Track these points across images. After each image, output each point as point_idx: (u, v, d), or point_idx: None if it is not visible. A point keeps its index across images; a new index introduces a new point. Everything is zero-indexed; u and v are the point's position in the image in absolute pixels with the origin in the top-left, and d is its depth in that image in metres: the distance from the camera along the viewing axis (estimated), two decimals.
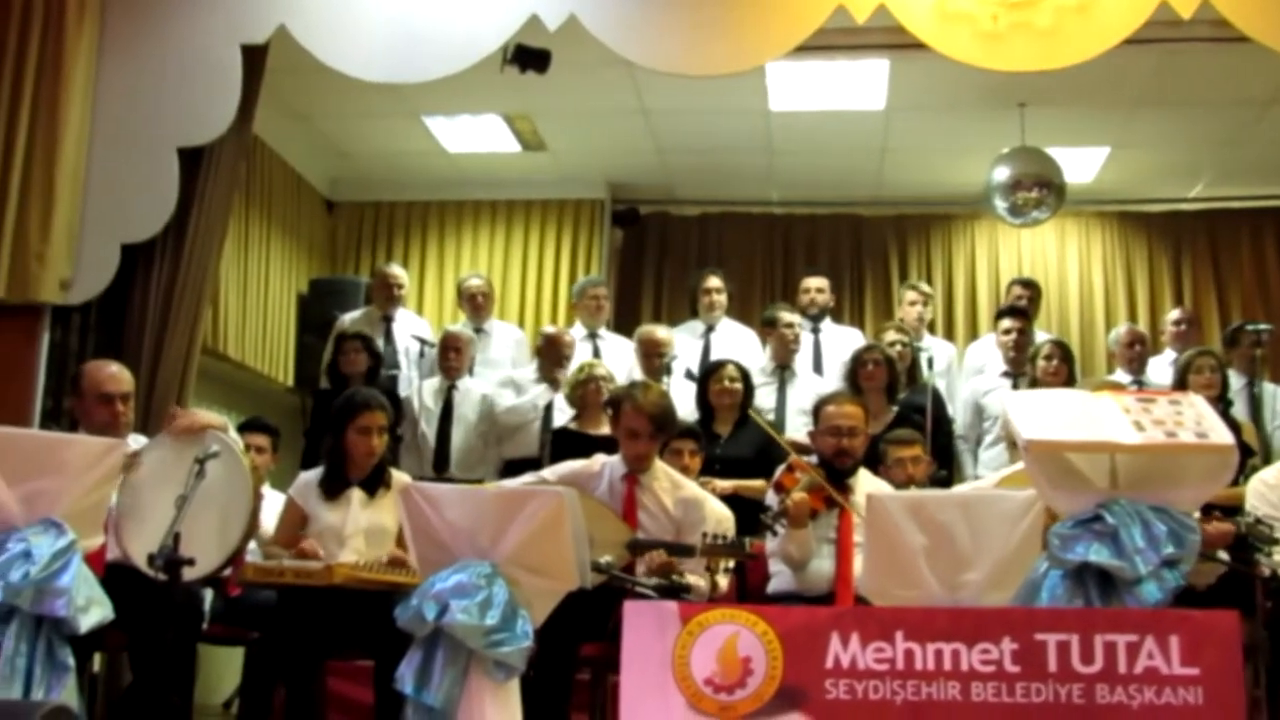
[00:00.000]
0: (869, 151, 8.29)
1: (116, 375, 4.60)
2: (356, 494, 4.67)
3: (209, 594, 4.91)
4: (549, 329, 7.33)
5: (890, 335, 6.85)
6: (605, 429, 5.93)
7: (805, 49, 5.58)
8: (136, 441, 4.50)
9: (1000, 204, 7.46)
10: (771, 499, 4.76)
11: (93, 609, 3.56)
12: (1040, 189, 7.38)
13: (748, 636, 2.40)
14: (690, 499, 4.66)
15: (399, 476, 4.73)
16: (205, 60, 5.85)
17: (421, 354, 7.26)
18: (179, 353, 5.87)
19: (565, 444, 6.03)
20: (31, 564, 3.44)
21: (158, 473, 4.14)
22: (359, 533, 4.62)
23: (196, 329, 5.98)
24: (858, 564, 4.54)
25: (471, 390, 7.16)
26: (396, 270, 7.90)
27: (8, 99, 5.60)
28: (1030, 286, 7.79)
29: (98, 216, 5.71)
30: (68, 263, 5.61)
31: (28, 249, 5.51)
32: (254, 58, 5.94)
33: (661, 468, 4.76)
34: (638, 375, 6.50)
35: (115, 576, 3.84)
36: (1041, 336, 7.20)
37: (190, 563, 3.72)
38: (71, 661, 3.54)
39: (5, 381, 5.55)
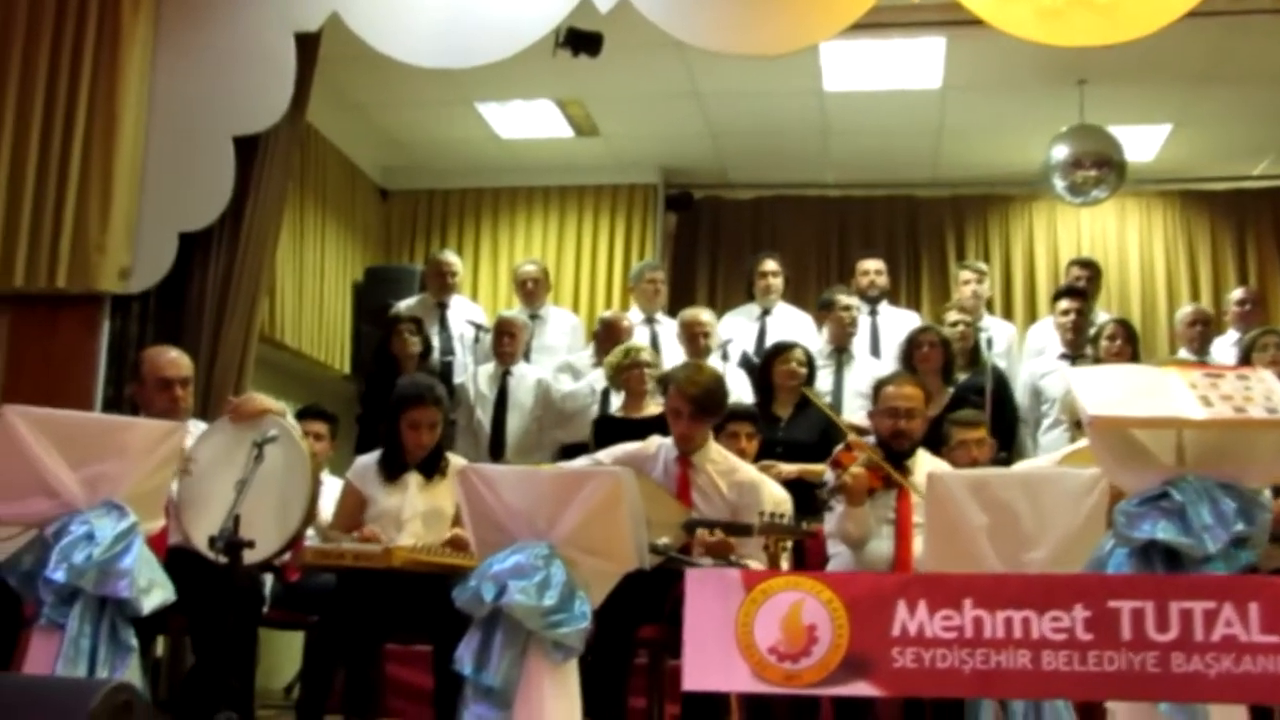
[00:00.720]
0: (925, 131, 8.20)
1: (176, 360, 4.63)
2: (414, 478, 4.68)
3: (269, 578, 4.93)
4: (606, 314, 7.33)
5: (953, 315, 6.77)
6: (649, 412, 5.94)
7: (860, 27, 5.50)
8: (196, 427, 4.53)
9: (1059, 183, 7.36)
10: (829, 476, 4.73)
11: (155, 591, 3.59)
12: (1100, 168, 7.28)
13: (812, 604, 2.36)
14: (745, 482, 4.63)
15: (455, 460, 4.73)
16: (259, 49, 5.87)
17: (476, 339, 7.29)
18: (236, 340, 5.90)
19: (608, 430, 6.02)
20: (94, 546, 3.47)
21: (217, 458, 4.17)
22: (416, 516, 4.62)
23: (253, 317, 6.01)
24: (917, 545, 4.49)
25: (526, 376, 7.16)
26: (450, 257, 7.91)
27: (66, 90, 5.66)
28: (1089, 267, 7.68)
29: (155, 206, 5.75)
30: (127, 252, 5.65)
31: (88, 239, 5.56)
32: (307, 46, 5.95)
33: (716, 449, 4.73)
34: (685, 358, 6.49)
35: (176, 560, 3.87)
36: (1103, 317, 7.10)
37: (250, 545, 3.75)
38: (135, 642, 3.56)
39: (67, 370, 5.60)
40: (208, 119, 5.83)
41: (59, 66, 5.69)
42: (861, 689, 2.34)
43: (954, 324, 6.60)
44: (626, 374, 6.21)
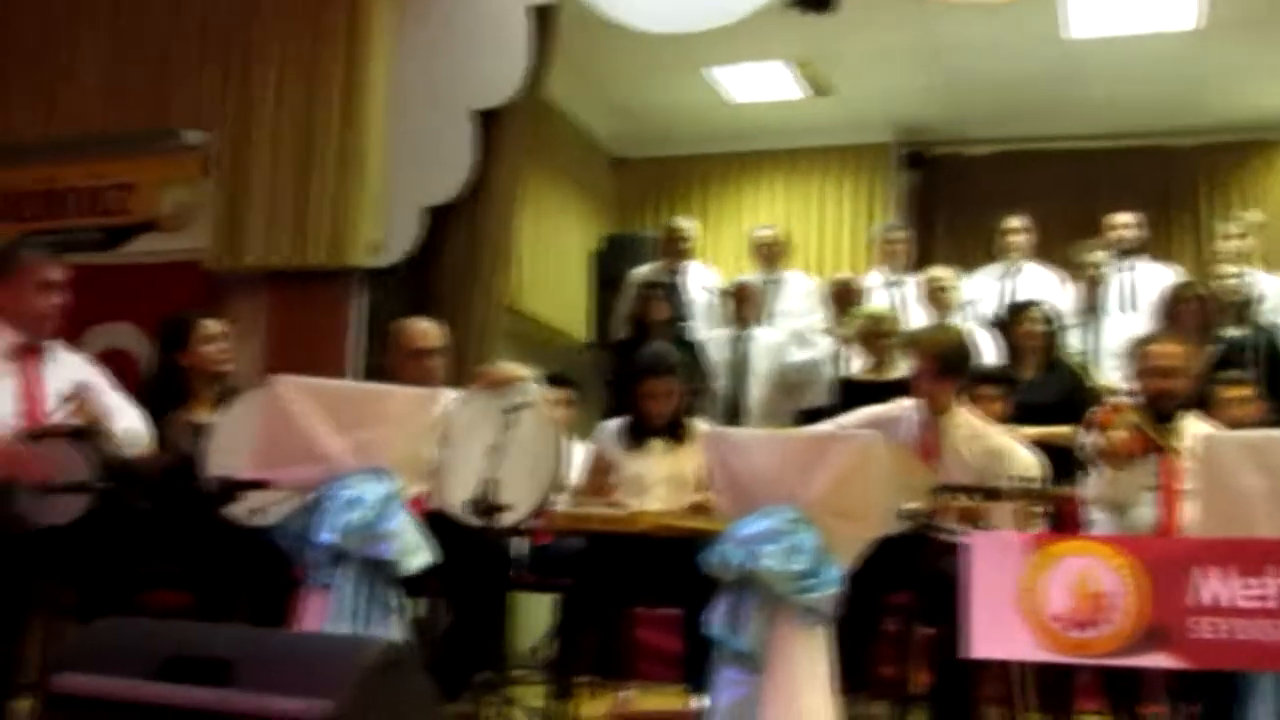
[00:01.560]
0: (1179, 77, 7.75)
1: (427, 331, 4.76)
2: (658, 443, 4.71)
3: (522, 543, 5.03)
4: (841, 275, 7.23)
5: (1222, 269, 6.41)
6: (895, 375, 5.82)
7: None
8: (447, 396, 4.64)
9: None
10: (1088, 439, 4.54)
11: (417, 552, 3.69)
12: None
13: (1103, 570, 2.25)
14: (994, 448, 4.48)
15: (699, 425, 4.73)
16: (496, 23, 5.98)
17: (714, 305, 7.29)
18: (482, 311, 6.03)
19: (854, 393, 5.92)
20: (360, 510, 3.58)
21: (469, 425, 4.25)
22: (661, 481, 4.65)
23: (497, 288, 6.14)
24: (1183, 511, 4.27)
25: (763, 340, 7.14)
26: (684, 224, 7.93)
27: (317, 67, 5.86)
28: None
29: (402, 179, 5.90)
30: (377, 227, 5.82)
31: (340, 215, 5.75)
32: (544, 18, 6.02)
33: (963, 412, 4.61)
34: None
35: (434, 524, 3.96)
36: None
37: (505, 509, 3.83)
38: (399, 603, 3.68)
39: (325, 342, 5.81)
40: (448, 94, 5.95)
41: (310, 50, 5.89)
42: (1158, 660, 2.22)
43: (1220, 278, 6.26)
44: (871, 337, 6.11)
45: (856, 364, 6.45)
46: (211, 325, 4.53)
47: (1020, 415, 5.49)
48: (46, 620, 4.33)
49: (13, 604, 3.62)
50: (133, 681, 2.52)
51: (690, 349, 6.58)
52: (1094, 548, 2.32)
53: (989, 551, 2.37)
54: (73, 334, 4.67)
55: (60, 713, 2.63)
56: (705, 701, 3.72)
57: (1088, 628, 2.25)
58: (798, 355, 6.90)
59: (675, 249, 7.75)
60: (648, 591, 4.56)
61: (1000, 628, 2.28)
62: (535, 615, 6.91)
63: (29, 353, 4.02)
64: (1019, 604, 2.29)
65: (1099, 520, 4.61)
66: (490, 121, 6.03)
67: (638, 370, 4.69)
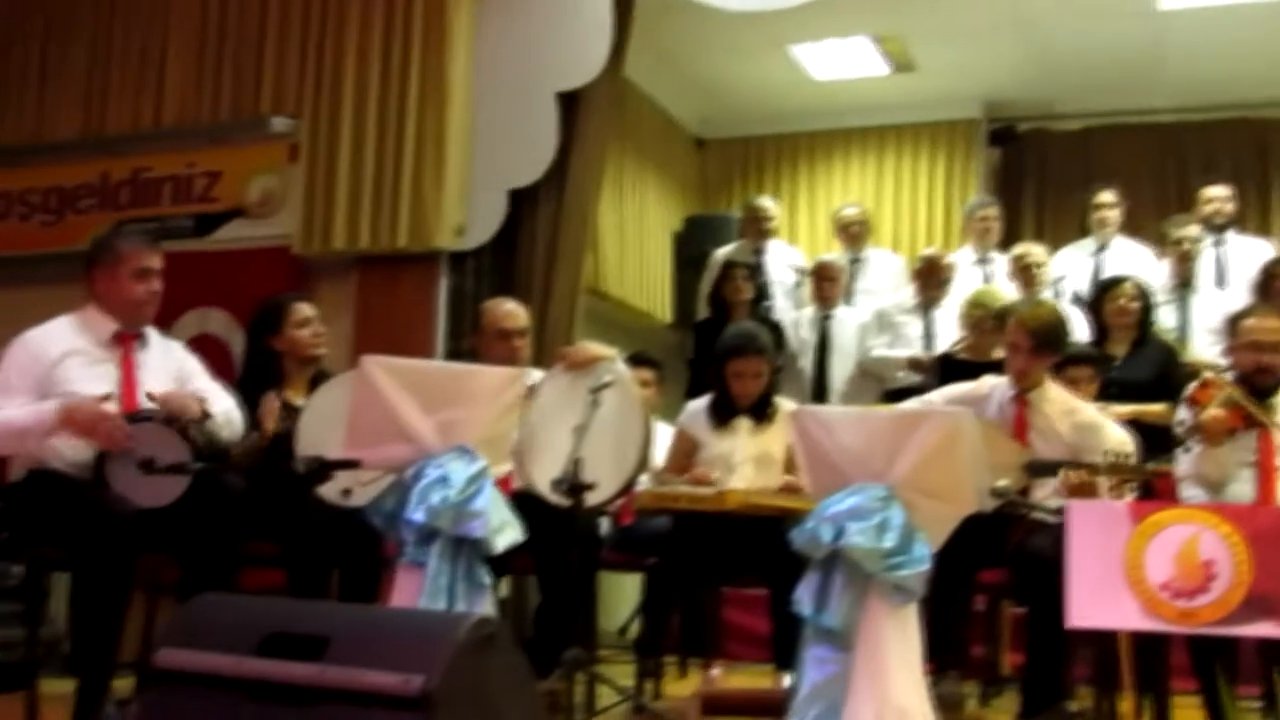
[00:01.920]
0: (1272, 48, 7.54)
1: (513, 312, 4.79)
2: (744, 422, 4.70)
3: (605, 522, 5.05)
4: (927, 251, 7.17)
5: None
6: (997, 355, 5.74)
7: None
8: (532, 376, 4.67)
9: None
10: (1183, 414, 4.47)
11: (506, 530, 3.72)
12: None
13: (1210, 539, 2.21)
14: (1086, 424, 4.42)
15: (785, 404, 4.72)
16: (578, 4, 5.99)
17: (798, 284, 7.27)
18: (565, 292, 6.05)
19: (953, 371, 5.83)
20: (449, 488, 3.61)
21: (554, 405, 4.27)
22: (748, 460, 4.65)
23: (580, 269, 6.15)
24: None
25: (847, 320, 7.10)
26: (765, 203, 7.90)
27: (399, 52, 5.91)
28: None
29: (485, 163, 5.93)
30: (461, 210, 5.86)
31: (424, 199, 5.80)
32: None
33: (1054, 388, 4.55)
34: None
35: (521, 504, 3.99)
36: None
37: (592, 488, 3.85)
38: (489, 580, 3.71)
39: (410, 325, 5.87)
40: (531, 77, 5.97)
41: (392, 33, 5.94)
42: (1266, 629, 2.18)
43: None
44: (977, 319, 6.00)
45: (945, 340, 6.40)
46: (304, 309, 4.59)
47: (1112, 393, 5.41)
48: (148, 598, 4.44)
49: (115, 583, 3.68)
50: (232, 657, 2.57)
51: (773, 329, 6.55)
52: (1199, 516, 2.28)
53: (1092, 521, 2.33)
54: (165, 321, 4.76)
55: (162, 688, 2.69)
56: (793, 680, 3.71)
57: (1196, 596, 2.21)
58: (881, 348, 6.83)
59: (757, 229, 7.73)
60: (735, 570, 4.56)
61: (1104, 597, 2.25)
62: (621, 594, 6.96)
63: (126, 340, 4.10)
64: (1125, 573, 2.25)
65: (1194, 497, 4.53)
66: (573, 103, 6.04)
67: (726, 349, 4.68)
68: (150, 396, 4.01)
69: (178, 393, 4.04)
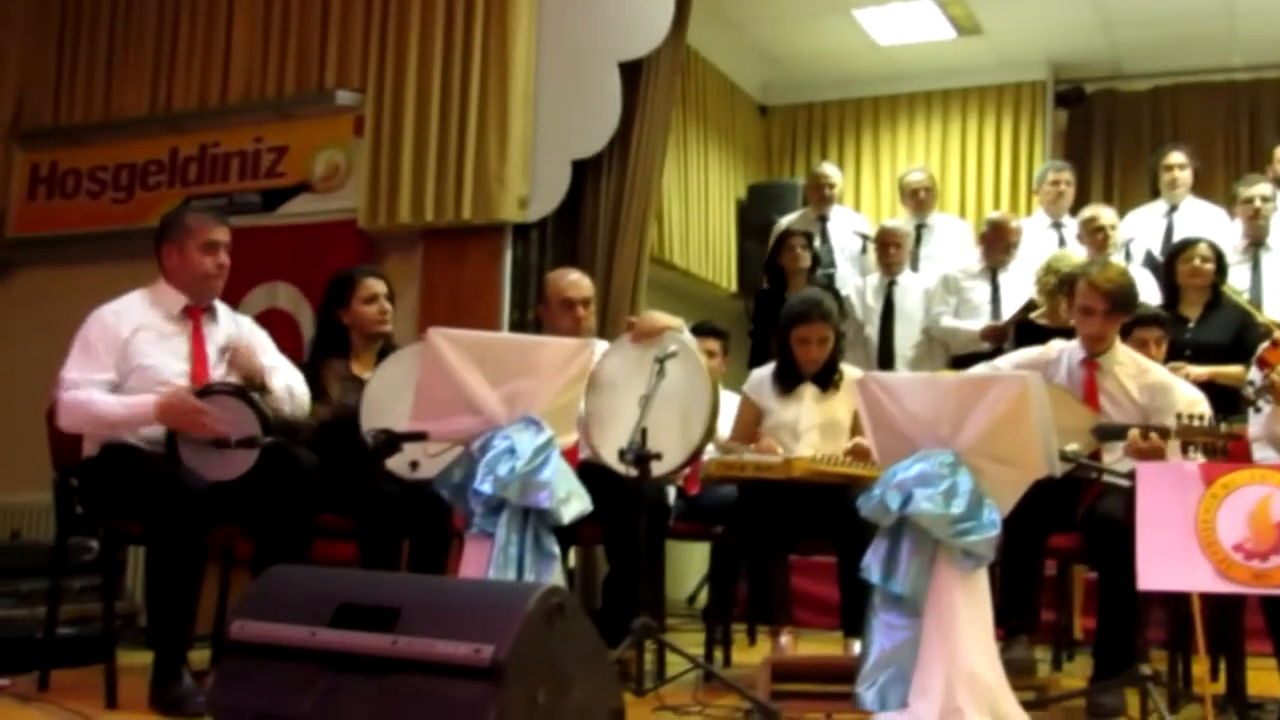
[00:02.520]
0: None
1: (577, 282, 4.80)
2: (809, 389, 4.69)
3: (671, 491, 5.06)
4: (994, 215, 7.09)
5: None
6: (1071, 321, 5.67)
7: None
8: (598, 347, 4.68)
9: None
10: (1254, 375, 4.39)
11: (573, 501, 3.73)
12: None
13: None
14: (1157, 384, 4.36)
15: (850, 371, 4.70)
16: None
17: (864, 250, 7.23)
18: (629, 262, 6.04)
19: (1030, 336, 5.76)
20: (516, 459, 3.63)
21: (620, 375, 4.29)
22: (813, 427, 4.64)
23: (644, 239, 6.13)
24: None
25: (912, 287, 7.05)
26: (828, 170, 7.86)
27: (462, 30, 5.90)
28: None
29: (548, 134, 5.92)
30: (524, 181, 5.86)
31: (488, 171, 5.81)
32: None
33: (1123, 351, 4.48)
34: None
35: (587, 474, 4.01)
36: None
37: (658, 458, 3.86)
38: (557, 550, 3.73)
39: (476, 297, 5.89)
40: (593, 46, 5.94)
41: (455, 5, 5.93)
42: None
43: None
44: (1052, 285, 5.92)
45: (1012, 305, 6.33)
46: (373, 285, 4.63)
47: (1185, 355, 5.35)
48: (221, 571, 4.51)
49: (189, 556, 3.75)
50: (307, 628, 2.61)
51: (834, 296, 6.51)
52: (1271, 476, 2.23)
53: (1162, 483, 2.30)
54: (233, 296, 4.82)
55: (238, 659, 2.74)
56: (862, 647, 3.71)
57: (1269, 557, 2.17)
58: (948, 315, 6.77)
59: (821, 195, 7.69)
60: (802, 538, 4.55)
61: (1175, 560, 2.22)
62: (690, 563, 6.98)
63: (196, 314, 4.16)
64: (1197, 535, 2.21)
65: (1267, 458, 4.45)
66: (636, 72, 6.02)
67: (790, 316, 4.67)
68: (223, 351, 4.07)
69: (244, 351, 4.10)
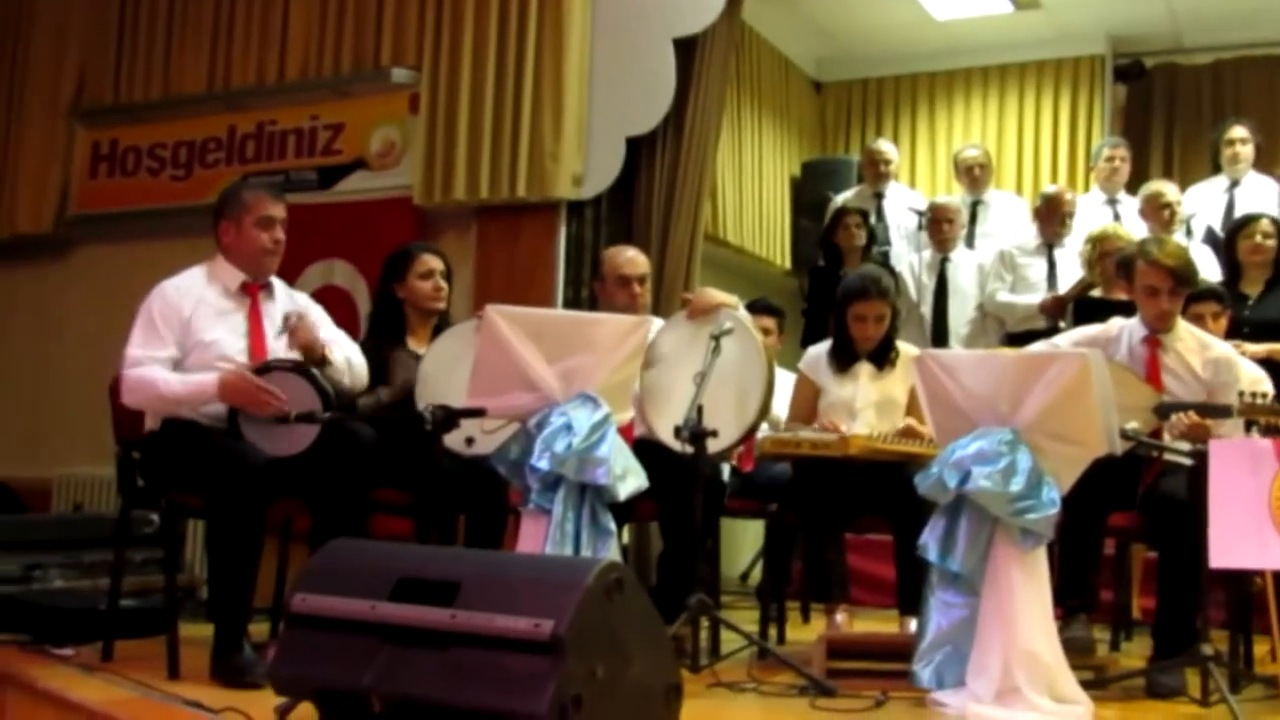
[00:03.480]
0: None
1: (634, 259, 4.80)
2: (865, 368, 4.66)
3: (726, 468, 5.06)
4: (1049, 189, 7.03)
5: None
6: (1121, 295, 5.61)
7: None
8: (653, 324, 4.68)
9: None
10: None
11: (629, 477, 3.75)
12: None
13: None
14: (1220, 359, 4.30)
15: (906, 348, 4.68)
16: None
17: (920, 226, 7.19)
18: (683, 240, 6.03)
19: (1089, 311, 5.69)
20: (573, 436, 3.65)
21: (676, 352, 4.29)
22: (869, 405, 4.61)
23: (698, 216, 6.11)
24: None
25: (964, 263, 7.00)
26: (884, 146, 7.82)
27: (517, 2, 5.91)
28: None
29: (603, 111, 5.92)
30: (579, 159, 5.86)
31: (543, 149, 5.82)
32: None
33: (1185, 327, 4.42)
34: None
35: (642, 450, 4.01)
36: None
37: (714, 435, 3.86)
38: (613, 526, 3.75)
39: (531, 274, 5.91)
40: (648, 23, 5.92)
41: None
42: None
43: None
44: (1104, 258, 5.87)
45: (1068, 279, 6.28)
46: (430, 261, 4.65)
47: (1244, 333, 5.27)
48: (280, 545, 4.56)
49: (249, 529, 3.78)
50: (367, 602, 2.63)
51: (890, 273, 6.48)
52: None
53: (1234, 460, 2.27)
54: (291, 273, 4.86)
55: (300, 631, 2.77)
56: (918, 625, 3.70)
57: None
58: (1004, 291, 6.71)
59: (876, 172, 7.66)
60: (858, 515, 4.54)
61: (1248, 537, 2.19)
62: (744, 540, 6.98)
63: (253, 290, 4.19)
64: (1271, 512, 2.18)
65: None
66: (690, 49, 5.99)
67: (848, 293, 4.64)
68: (285, 320, 4.10)
69: (304, 325, 4.13)
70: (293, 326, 4.12)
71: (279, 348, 4.11)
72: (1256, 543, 2.17)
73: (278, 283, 4.31)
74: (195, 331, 4.01)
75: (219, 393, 3.88)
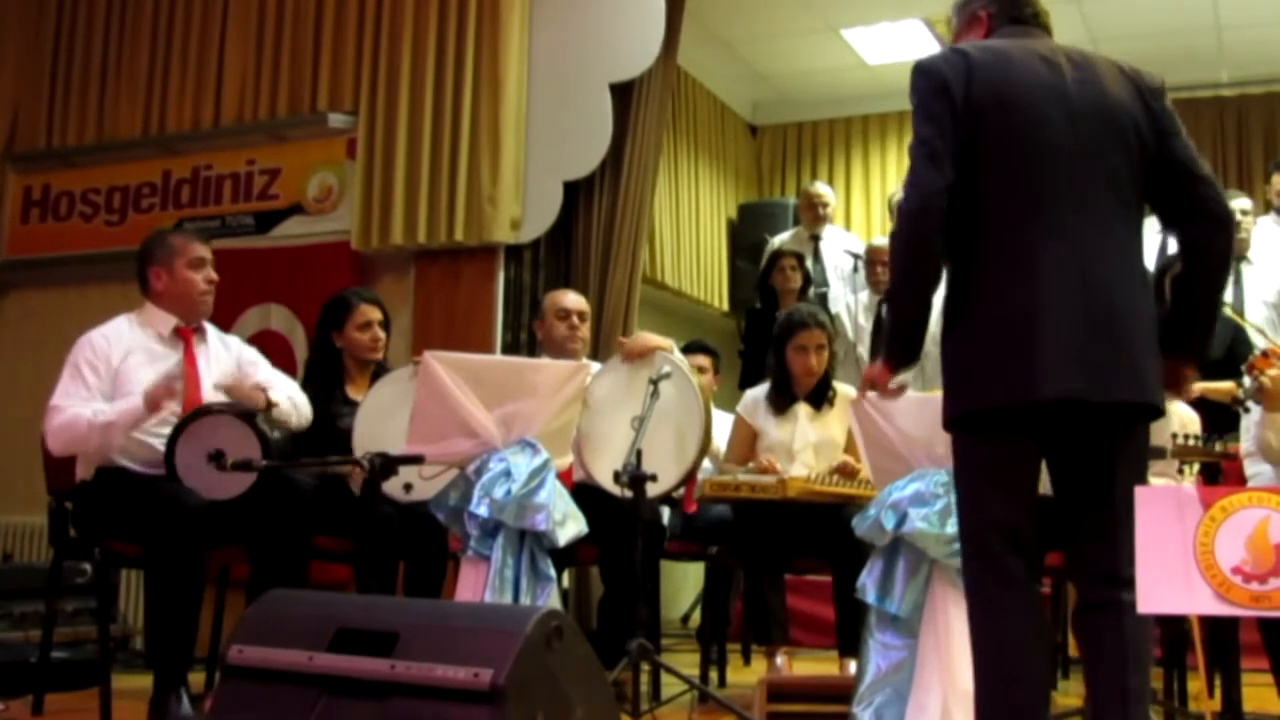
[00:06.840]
0: None
1: (574, 297, 4.88)
2: (803, 408, 4.70)
3: (666, 511, 5.07)
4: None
5: None
6: None
7: None
8: (593, 369, 4.69)
9: None
10: (1246, 382, 4.41)
11: (569, 523, 3.75)
12: None
13: None
14: None
15: (844, 389, 4.72)
16: None
17: (855, 269, 7.24)
18: (622, 282, 6.05)
19: None
20: (512, 482, 3.65)
21: (613, 396, 4.29)
22: (808, 446, 4.65)
23: (636, 259, 6.13)
24: None
25: None
26: (821, 189, 7.90)
27: (454, 47, 5.91)
28: None
29: (540, 156, 5.92)
30: (517, 203, 5.87)
31: (481, 193, 5.81)
32: None
33: None
34: None
35: (582, 495, 4.02)
36: None
37: (653, 479, 3.86)
38: (553, 572, 3.75)
39: (469, 317, 5.89)
40: (585, 68, 5.94)
41: (446, 28, 5.94)
42: None
43: None
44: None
45: None
46: (368, 312, 4.64)
47: None
48: (217, 593, 4.51)
49: (188, 575, 3.73)
50: (305, 653, 2.60)
51: (827, 314, 6.53)
52: (1270, 499, 2.24)
53: (1161, 505, 2.30)
54: (227, 318, 4.83)
55: (236, 683, 2.73)
56: (858, 667, 3.71)
57: (1268, 579, 2.19)
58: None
59: (814, 214, 7.73)
60: (798, 557, 4.56)
61: (1177, 582, 2.22)
62: (684, 583, 6.98)
63: (187, 335, 4.17)
64: (1197, 558, 2.22)
65: (1259, 474, 4.47)
66: (627, 93, 6.03)
67: (789, 325, 4.67)
68: (218, 386, 4.07)
69: (241, 384, 4.10)
70: (228, 387, 4.08)
71: (216, 394, 4.08)
72: (1184, 588, 2.21)
73: (210, 327, 4.28)
74: (127, 380, 3.97)
75: (146, 403, 3.84)
